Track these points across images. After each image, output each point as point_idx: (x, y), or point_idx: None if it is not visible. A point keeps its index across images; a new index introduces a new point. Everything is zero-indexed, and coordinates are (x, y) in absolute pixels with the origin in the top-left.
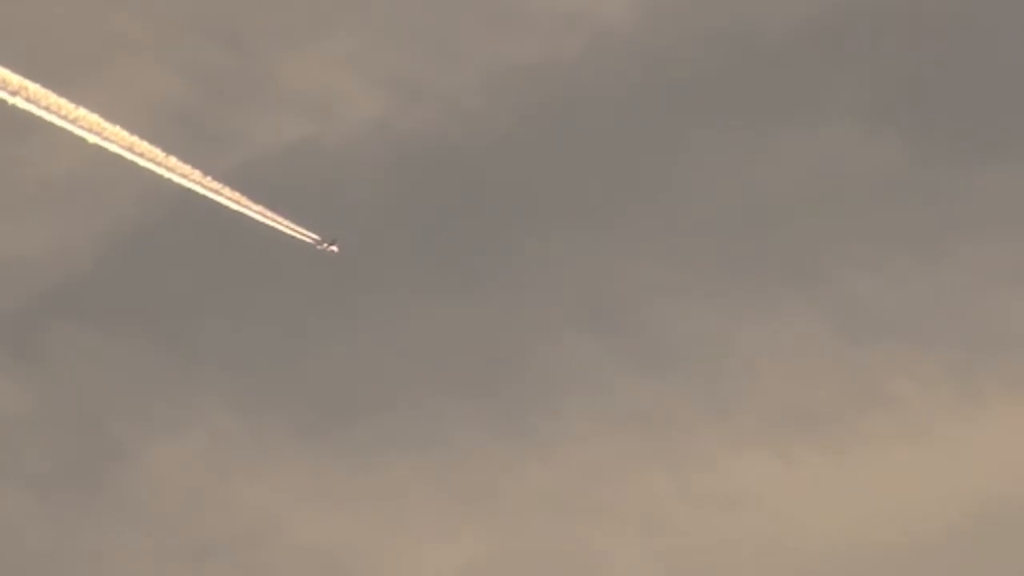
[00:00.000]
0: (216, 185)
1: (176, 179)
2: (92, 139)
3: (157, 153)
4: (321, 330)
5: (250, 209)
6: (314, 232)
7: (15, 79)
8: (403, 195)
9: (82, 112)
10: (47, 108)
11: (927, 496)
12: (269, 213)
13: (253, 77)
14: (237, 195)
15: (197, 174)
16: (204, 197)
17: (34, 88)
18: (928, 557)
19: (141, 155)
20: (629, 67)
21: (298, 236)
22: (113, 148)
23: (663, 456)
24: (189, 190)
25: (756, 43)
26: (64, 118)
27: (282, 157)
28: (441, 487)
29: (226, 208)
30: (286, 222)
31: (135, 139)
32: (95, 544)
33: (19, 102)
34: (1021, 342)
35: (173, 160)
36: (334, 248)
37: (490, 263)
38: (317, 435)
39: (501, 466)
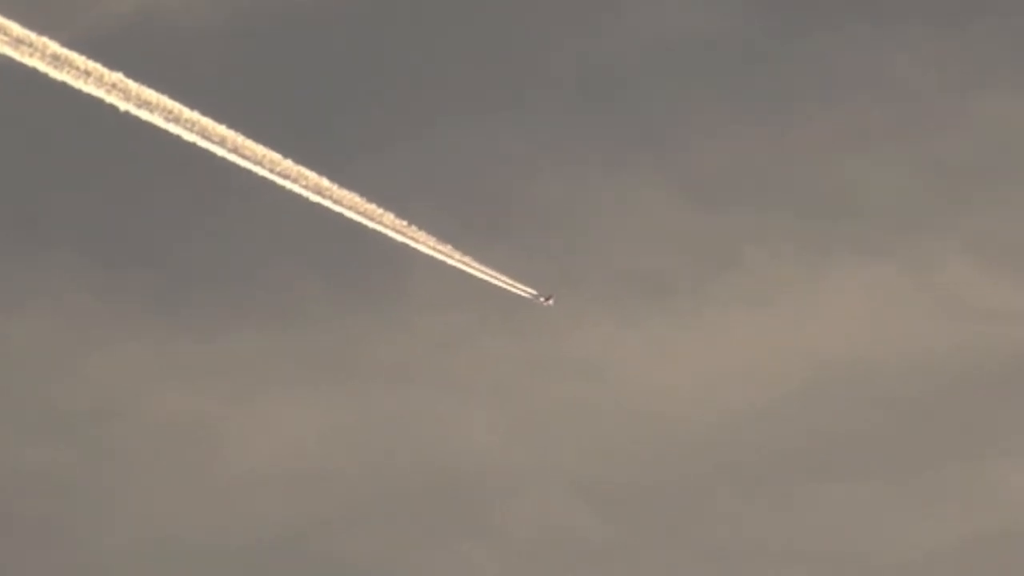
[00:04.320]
0: (63, 54)
1: (19, 56)
2: None
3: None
4: (170, 202)
5: (464, 263)
6: (533, 288)
7: None
8: (244, 64)
9: None
10: None
11: (772, 359)
12: (489, 271)
13: None
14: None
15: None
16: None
17: None
18: (771, 418)
19: None
20: None
21: (516, 291)
22: None
23: (509, 324)
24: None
25: None
26: None
27: (120, 27)
28: (291, 359)
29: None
30: (505, 279)
31: None
32: None
33: None
34: (865, 207)
35: (13, 31)
36: (550, 302)
37: (338, 134)
38: (167, 309)
39: (350, 337)
